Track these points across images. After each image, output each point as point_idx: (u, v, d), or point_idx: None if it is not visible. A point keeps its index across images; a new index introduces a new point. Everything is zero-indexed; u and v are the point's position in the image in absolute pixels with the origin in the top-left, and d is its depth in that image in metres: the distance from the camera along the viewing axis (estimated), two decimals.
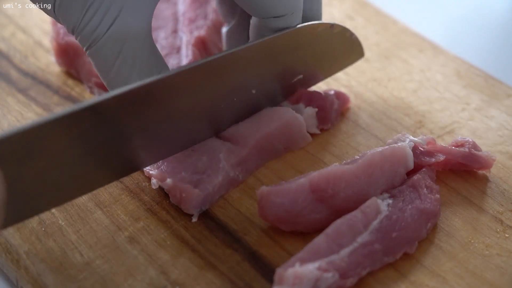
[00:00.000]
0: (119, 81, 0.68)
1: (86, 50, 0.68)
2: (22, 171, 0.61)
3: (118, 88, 0.65)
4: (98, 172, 0.67)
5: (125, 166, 0.69)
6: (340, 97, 0.80)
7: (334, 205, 0.67)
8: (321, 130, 0.78)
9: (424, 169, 0.71)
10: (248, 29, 0.77)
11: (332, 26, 0.76)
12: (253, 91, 0.73)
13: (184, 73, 0.67)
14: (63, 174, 0.64)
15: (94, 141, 0.65)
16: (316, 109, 0.77)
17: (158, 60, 0.69)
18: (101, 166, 0.67)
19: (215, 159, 0.71)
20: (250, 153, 0.72)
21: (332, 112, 0.78)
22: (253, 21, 0.74)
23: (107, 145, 0.66)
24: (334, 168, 0.68)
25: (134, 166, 0.70)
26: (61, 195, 0.65)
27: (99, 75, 0.69)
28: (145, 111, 0.66)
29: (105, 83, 0.69)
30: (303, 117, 0.75)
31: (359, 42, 0.81)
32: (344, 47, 0.80)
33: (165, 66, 0.70)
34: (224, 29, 0.80)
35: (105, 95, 0.63)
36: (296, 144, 0.76)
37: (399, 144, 0.71)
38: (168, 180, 0.70)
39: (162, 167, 0.71)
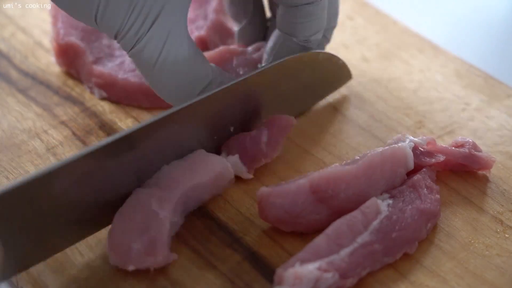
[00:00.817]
0: (161, 80, 0.70)
1: (129, 52, 0.69)
2: (14, 229, 0.62)
3: (161, 87, 0.70)
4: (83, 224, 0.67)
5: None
6: (273, 125, 0.75)
7: (334, 205, 0.67)
8: (256, 169, 0.74)
9: (424, 169, 0.71)
10: (259, 27, 0.79)
11: (318, 53, 0.77)
12: (231, 129, 0.74)
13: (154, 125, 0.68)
14: (54, 228, 0.64)
15: (77, 196, 0.65)
16: (237, 155, 0.73)
17: (198, 56, 0.71)
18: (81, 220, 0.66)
19: (150, 213, 0.65)
20: (181, 199, 0.68)
21: (261, 150, 0.73)
22: (280, 11, 0.74)
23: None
24: (334, 169, 0.68)
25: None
26: (54, 247, 0.66)
27: (143, 76, 0.70)
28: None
29: (148, 83, 0.71)
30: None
31: (345, 65, 0.82)
32: (331, 72, 0.81)
33: (206, 61, 0.72)
34: (236, 29, 0.81)
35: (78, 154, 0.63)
36: (221, 190, 0.72)
37: (399, 144, 0.71)
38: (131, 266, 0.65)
39: (110, 247, 0.65)
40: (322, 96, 0.82)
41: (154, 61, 0.69)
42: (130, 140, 0.66)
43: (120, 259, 0.64)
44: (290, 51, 0.75)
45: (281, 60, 0.74)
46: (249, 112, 0.75)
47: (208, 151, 0.71)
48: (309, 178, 0.67)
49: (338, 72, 0.82)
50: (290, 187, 0.67)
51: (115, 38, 0.69)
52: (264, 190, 0.67)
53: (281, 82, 0.76)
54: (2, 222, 0.61)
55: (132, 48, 0.68)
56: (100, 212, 0.66)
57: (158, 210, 0.65)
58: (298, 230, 0.68)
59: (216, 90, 0.71)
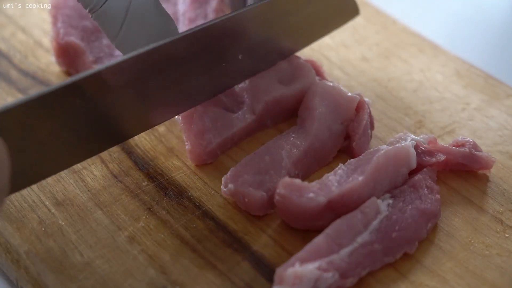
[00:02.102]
0: (128, 43, 0.69)
1: (92, 13, 0.68)
2: (23, 141, 0.63)
3: (127, 50, 0.68)
4: (92, 142, 0.68)
5: (122, 132, 0.70)
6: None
7: (342, 212, 0.67)
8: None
9: (425, 169, 0.71)
10: None
11: None
12: (240, 56, 0.74)
13: (187, 38, 0.69)
14: (61, 144, 0.65)
15: (92, 112, 0.66)
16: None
17: (165, 18, 0.70)
18: (95, 136, 0.68)
19: (277, 157, 0.71)
20: (311, 147, 0.73)
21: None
22: None
23: (102, 116, 0.67)
24: (351, 184, 0.68)
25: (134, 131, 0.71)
26: (59, 164, 0.67)
27: (108, 38, 0.69)
28: (148, 77, 0.67)
29: (114, 45, 0.70)
30: None
31: (353, 0, 0.81)
32: (336, 6, 0.80)
33: (173, 24, 0.71)
34: None
35: (105, 65, 0.65)
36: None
37: (402, 143, 0.71)
38: (230, 186, 0.70)
39: (226, 174, 0.71)
40: (328, 31, 0.82)
41: (119, 25, 0.68)
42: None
43: (224, 181, 0.71)
44: None
45: None
46: (256, 42, 0.75)
47: (217, 76, 0.73)
48: (328, 197, 0.67)
49: (344, 7, 0.81)
50: (310, 204, 0.67)
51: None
52: (286, 182, 0.68)
53: (283, 14, 0.75)
54: (12, 135, 0.61)
55: (94, 9, 0.68)
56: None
57: (285, 158, 0.71)
58: (302, 228, 0.68)
59: (221, 19, 0.71)
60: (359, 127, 0.73)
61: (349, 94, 0.74)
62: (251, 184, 0.69)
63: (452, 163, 0.73)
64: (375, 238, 0.65)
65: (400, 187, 0.70)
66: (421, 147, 0.72)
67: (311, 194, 0.67)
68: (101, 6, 0.67)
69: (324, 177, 0.69)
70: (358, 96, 0.74)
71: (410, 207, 0.68)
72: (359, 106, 0.74)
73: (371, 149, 0.72)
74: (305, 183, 0.68)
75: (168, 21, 0.70)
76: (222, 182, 0.71)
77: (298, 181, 0.67)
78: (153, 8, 0.69)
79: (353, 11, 0.82)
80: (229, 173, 0.71)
